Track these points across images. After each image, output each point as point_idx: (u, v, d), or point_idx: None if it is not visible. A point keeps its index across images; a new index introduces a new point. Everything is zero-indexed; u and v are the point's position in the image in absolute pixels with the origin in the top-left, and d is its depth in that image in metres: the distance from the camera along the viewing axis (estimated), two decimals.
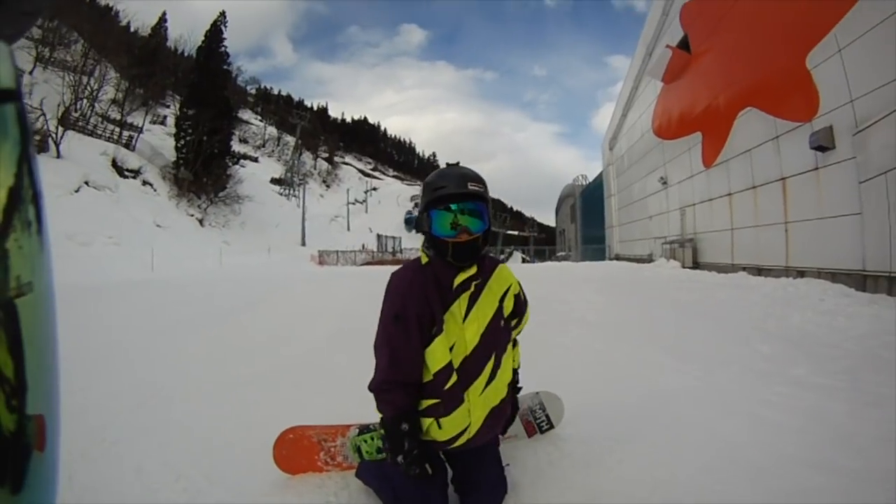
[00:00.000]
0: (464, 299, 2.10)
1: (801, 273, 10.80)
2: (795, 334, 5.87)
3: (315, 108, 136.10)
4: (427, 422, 2.11)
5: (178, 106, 55.69)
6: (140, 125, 52.05)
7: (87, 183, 35.39)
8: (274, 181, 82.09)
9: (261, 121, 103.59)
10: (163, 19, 68.96)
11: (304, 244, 60.82)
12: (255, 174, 73.97)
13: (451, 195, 2.04)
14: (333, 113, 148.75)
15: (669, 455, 2.71)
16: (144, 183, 45.33)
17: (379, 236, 67.86)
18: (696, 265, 16.68)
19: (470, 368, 2.09)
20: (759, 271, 12.47)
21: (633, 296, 9.82)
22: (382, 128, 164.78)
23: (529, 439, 3.00)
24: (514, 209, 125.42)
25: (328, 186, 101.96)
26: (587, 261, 29.04)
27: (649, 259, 20.81)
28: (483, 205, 2.08)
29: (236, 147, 69.50)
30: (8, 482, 0.68)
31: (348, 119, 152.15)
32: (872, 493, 2.32)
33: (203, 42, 55.05)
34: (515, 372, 2.46)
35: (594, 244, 34.65)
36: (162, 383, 4.36)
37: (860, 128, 8.98)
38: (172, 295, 11.31)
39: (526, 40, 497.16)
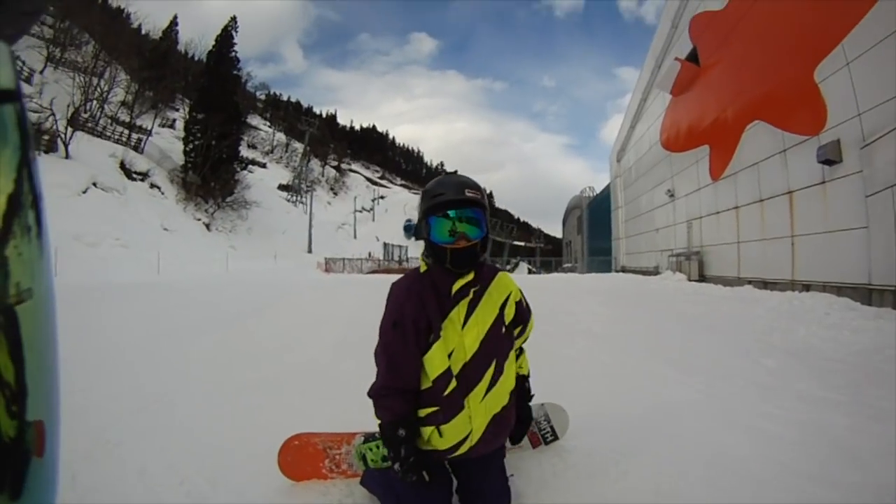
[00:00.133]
0: (463, 306, 2.11)
1: (806, 287, 10.78)
2: (800, 348, 5.86)
3: (324, 115, 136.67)
4: (428, 431, 2.12)
5: (187, 110, 55.98)
6: (149, 128, 52.33)
7: (95, 184, 35.65)
8: (281, 187, 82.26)
9: (270, 127, 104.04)
10: (174, 23, 69.28)
11: (310, 251, 60.88)
12: (263, 180, 74.15)
13: (449, 202, 2.06)
14: (342, 120, 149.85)
15: (673, 467, 2.71)
16: (152, 186, 45.63)
17: (385, 245, 67.82)
18: (702, 278, 16.65)
19: (470, 374, 2.09)
20: (764, 285, 12.43)
21: (639, 308, 9.79)
22: (391, 136, 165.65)
23: (534, 450, 2.99)
24: (521, 220, 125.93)
25: (336, 194, 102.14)
26: (593, 272, 28.96)
27: (655, 271, 20.77)
28: (481, 212, 2.10)
29: (245, 152, 69.73)
30: (7, 488, 0.68)
31: (357, 127, 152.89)
32: None
33: (214, 47, 55.49)
34: (524, 379, 2.47)
35: (600, 256, 34.61)
36: (166, 387, 4.37)
37: (867, 141, 8.98)
38: (179, 299, 11.36)
39: (536, 51, 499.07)
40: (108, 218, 32.35)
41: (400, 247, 65.24)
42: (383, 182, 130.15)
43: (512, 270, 48.57)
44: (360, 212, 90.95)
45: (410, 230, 2.22)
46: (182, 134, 53.17)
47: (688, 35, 19.31)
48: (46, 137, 35.22)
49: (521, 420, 2.40)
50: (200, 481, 2.67)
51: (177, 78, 60.81)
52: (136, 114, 50.87)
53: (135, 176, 43.90)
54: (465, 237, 2.05)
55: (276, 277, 24.55)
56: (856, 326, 6.66)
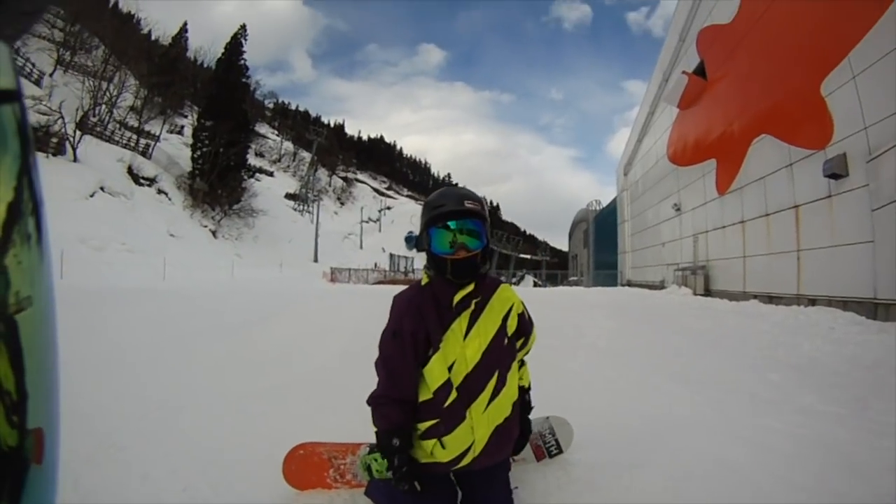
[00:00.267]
0: (464, 317, 2.14)
1: (812, 301, 10.74)
2: (805, 362, 5.84)
3: (332, 124, 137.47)
4: (430, 444, 2.13)
5: (195, 116, 56.22)
6: (157, 134, 52.77)
7: (102, 188, 35.97)
8: (288, 196, 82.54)
9: (277, 135, 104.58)
10: (184, 29, 69.99)
11: (316, 260, 60.96)
12: (270, 188, 74.50)
13: (449, 213, 2.09)
14: (350, 130, 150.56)
15: (677, 482, 2.71)
16: (159, 191, 45.95)
17: (391, 255, 67.88)
18: (707, 292, 16.58)
19: (472, 386, 2.11)
20: (770, 299, 12.37)
21: (644, 322, 9.75)
22: (398, 147, 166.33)
23: (538, 463, 3.01)
24: (528, 233, 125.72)
25: (342, 204, 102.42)
26: (599, 286, 28.88)
27: (661, 286, 20.69)
28: (480, 223, 2.12)
29: (252, 160, 70.00)
30: (5, 495, 0.68)
31: (365, 137, 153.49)
32: None
33: (223, 54, 55.87)
34: (525, 392, 2.47)
35: (606, 269, 34.54)
36: (171, 393, 4.39)
37: (873, 155, 8.97)
38: (184, 305, 11.36)
39: (544, 63, 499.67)
40: (114, 222, 32.59)
41: (406, 258, 65.29)
42: (390, 193, 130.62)
43: (517, 283, 48.49)
44: (367, 222, 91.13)
45: (412, 242, 2.25)
46: (190, 140, 53.45)
47: (695, 48, 19.35)
48: (55, 140, 35.53)
49: (521, 432, 2.40)
50: (204, 487, 2.68)
51: (186, 84, 61.37)
52: (145, 119, 51.54)
53: (142, 181, 44.23)
54: (465, 248, 2.08)
55: (281, 286, 24.55)
56: (861, 341, 6.64)
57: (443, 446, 2.11)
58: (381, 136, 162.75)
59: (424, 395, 2.14)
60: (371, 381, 2.18)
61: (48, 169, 30.72)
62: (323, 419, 3.65)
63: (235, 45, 55.83)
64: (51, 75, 43.81)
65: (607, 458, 3.01)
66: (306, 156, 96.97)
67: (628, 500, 2.57)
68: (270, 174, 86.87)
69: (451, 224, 2.09)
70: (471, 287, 2.13)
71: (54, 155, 34.84)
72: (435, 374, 2.10)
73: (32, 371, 0.72)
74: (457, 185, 2.19)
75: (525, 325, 2.38)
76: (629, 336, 8.15)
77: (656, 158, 23.68)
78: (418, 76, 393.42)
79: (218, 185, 50.12)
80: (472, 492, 2.28)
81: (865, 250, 9.24)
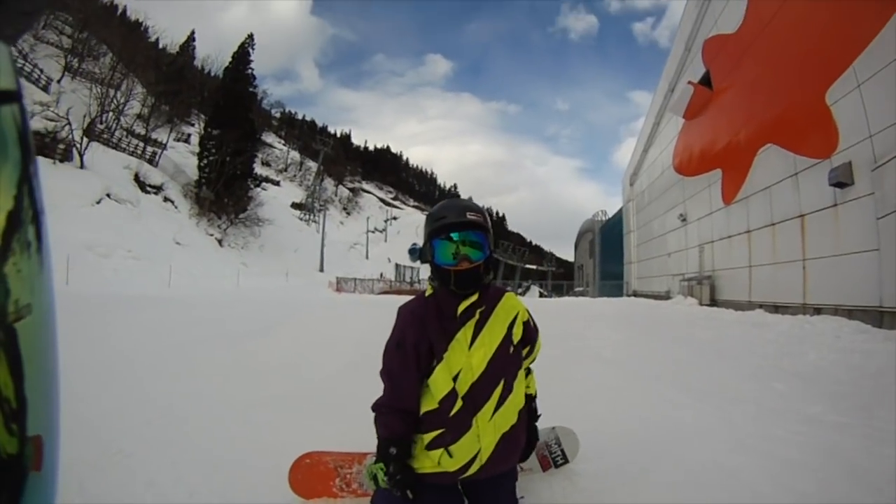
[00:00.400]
0: (469, 327, 2.15)
1: (817, 310, 10.69)
2: (811, 372, 5.82)
3: (339, 134, 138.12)
4: (437, 453, 2.13)
5: (202, 125, 56.63)
6: (164, 142, 53.32)
7: (108, 195, 36.23)
8: (294, 206, 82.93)
9: (284, 145, 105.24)
10: (191, 38, 70.65)
11: (322, 270, 61.11)
12: (277, 198, 74.79)
13: (451, 224, 2.12)
14: (356, 140, 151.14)
15: (683, 492, 2.72)
16: (166, 199, 46.29)
17: (397, 266, 67.83)
18: (713, 302, 16.52)
19: (477, 394, 2.12)
20: (776, 308, 12.32)
21: (650, 333, 9.72)
22: (405, 157, 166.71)
23: (544, 473, 3.01)
24: (533, 243, 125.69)
25: (348, 214, 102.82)
26: (605, 297, 28.79)
27: (667, 296, 20.63)
28: (483, 234, 2.15)
29: (259, 170, 70.33)
30: (4, 503, 0.68)
31: (371, 147, 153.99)
32: None
33: (230, 63, 56.25)
34: (531, 399, 2.48)
35: (612, 280, 34.40)
36: (176, 400, 4.40)
37: (878, 163, 8.96)
38: (190, 313, 11.40)
39: (550, 74, 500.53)
40: (120, 229, 32.81)
41: (411, 268, 65.26)
42: (396, 203, 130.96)
43: (523, 294, 48.48)
44: (373, 232, 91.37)
45: (415, 254, 2.28)
46: (197, 149, 53.94)
47: (701, 58, 19.39)
48: (62, 146, 35.84)
49: (528, 440, 2.40)
50: (209, 494, 2.69)
51: (193, 93, 61.88)
52: (152, 127, 51.81)
53: (148, 189, 44.58)
54: (467, 259, 2.10)
55: (287, 295, 24.62)
56: (866, 349, 6.61)
57: (450, 455, 2.11)
58: (388, 147, 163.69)
59: (430, 405, 2.15)
60: (377, 391, 2.21)
61: (55, 175, 31.02)
62: (329, 428, 3.65)
63: (243, 54, 56.28)
64: (58, 82, 44.32)
65: (613, 468, 3.01)
66: (313, 165, 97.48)
67: None
68: (277, 183, 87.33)
69: (454, 235, 2.12)
70: (475, 297, 2.15)
71: (61, 161, 35.13)
72: (439, 383, 2.11)
73: (32, 379, 0.72)
74: (459, 196, 2.20)
75: (530, 333, 2.39)
76: (635, 346, 8.13)
77: (662, 169, 23.69)
78: (425, 86, 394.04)
79: (224, 193, 50.35)
80: (479, 501, 2.28)
81: (871, 258, 9.21)
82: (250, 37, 57.29)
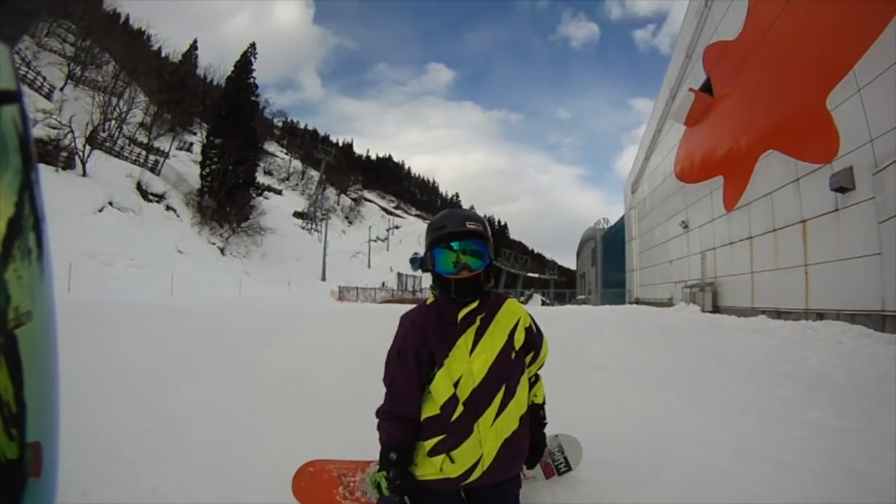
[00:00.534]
0: (470, 333, 2.17)
1: (820, 315, 10.68)
2: (813, 377, 5.81)
3: (341, 143, 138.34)
4: (439, 459, 2.13)
5: (204, 134, 56.76)
6: (166, 150, 53.46)
7: (111, 203, 36.40)
8: (297, 214, 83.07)
9: (286, 154, 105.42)
10: (194, 47, 70.70)
11: (324, 279, 61.12)
12: (279, 206, 74.98)
13: (451, 234, 2.15)
14: (358, 149, 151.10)
15: (686, 499, 2.72)
16: (168, 208, 46.46)
17: (399, 275, 67.87)
18: (715, 309, 16.48)
19: (478, 400, 2.13)
20: (778, 314, 12.31)
21: (652, 340, 9.71)
22: (407, 166, 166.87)
23: (547, 480, 3.01)
24: (535, 251, 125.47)
25: (350, 223, 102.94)
26: (607, 304, 28.73)
27: (669, 303, 20.59)
28: (482, 243, 2.18)
29: (261, 178, 70.30)
30: None
31: (373, 156, 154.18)
32: None
33: (232, 72, 56.60)
34: (539, 407, 2.50)
35: (614, 288, 34.40)
36: (179, 408, 4.40)
37: (879, 167, 8.96)
38: (192, 321, 11.40)
39: (551, 82, 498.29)
40: (122, 237, 32.97)
41: (414, 277, 65.25)
42: (398, 212, 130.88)
43: (525, 302, 48.40)
44: (375, 241, 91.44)
45: (416, 263, 2.31)
46: (199, 158, 54.14)
47: (702, 65, 19.45)
48: (64, 154, 36.05)
49: (535, 447, 2.42)
50: (212, 502, 2.69)
51: (195, 102, 61.84)
52: (154, 135, 52.24)
53: (151, 197, 44.78)
54: (467, 267, 2.13)
55: (289, 304, 24.60)
56: (869, 354, 6.61)
57: (452, 461, 2.12)
58: (390, 156, 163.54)
59: (432, 411, 2.16)
60: (379, 399, 2.23)
61: (57, 182, 31.17)
62: (332, 436, 3.65)
63: (245, 63, 56.63)
64: (61, 89, 44.63)
65: (616, 475, 3.02)
66: (315, 174, 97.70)
67: None
68: (279, 192, 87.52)
69: (454, 245, 2.15)
70: (475, 304, 2.18)
71: (64, 169, 35.34)
72: (440, 389, 2.13)
73: (32, 385, 0.73)
74: (459, 206, 2.20)
75: (534, 338, 2.39)
76: (637, 353, 8.13)
77: (664, 176, 23.72)
78: (427, 95, 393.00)
79: (226, 202, 50.50)
80: None
81: (873, 263, 9.21)
82: (253, 46, 57.75)
